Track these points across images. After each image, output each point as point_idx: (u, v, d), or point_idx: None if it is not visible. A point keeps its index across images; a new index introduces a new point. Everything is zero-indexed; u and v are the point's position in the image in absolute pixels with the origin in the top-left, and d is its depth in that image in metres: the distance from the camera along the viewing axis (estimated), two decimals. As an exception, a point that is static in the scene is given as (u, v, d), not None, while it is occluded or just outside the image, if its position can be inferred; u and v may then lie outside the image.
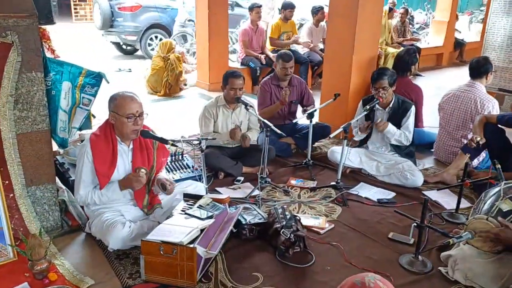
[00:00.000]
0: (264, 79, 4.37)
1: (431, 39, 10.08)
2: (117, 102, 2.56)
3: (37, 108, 2.59)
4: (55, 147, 3.00)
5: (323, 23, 7.34)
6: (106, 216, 2.59)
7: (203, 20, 6.60)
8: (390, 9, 8.36)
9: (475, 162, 3.83)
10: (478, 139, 3.36)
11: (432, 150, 4.33)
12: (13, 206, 2.56)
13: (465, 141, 3.78)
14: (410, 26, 11.06)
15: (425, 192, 3.48)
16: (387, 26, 8.01)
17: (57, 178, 2.92)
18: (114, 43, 10.20)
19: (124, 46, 10.26)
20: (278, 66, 4.16)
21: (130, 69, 8.23)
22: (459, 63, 9.82)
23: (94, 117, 3.57)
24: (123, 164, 2.68)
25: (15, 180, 2.55)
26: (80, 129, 3.28)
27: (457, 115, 3.94)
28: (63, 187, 3.00)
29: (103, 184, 2.59)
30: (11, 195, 2.55)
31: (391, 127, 3.60)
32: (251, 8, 6.86)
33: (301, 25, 8.76)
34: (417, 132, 4.17)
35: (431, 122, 4.71)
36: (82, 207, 2.85)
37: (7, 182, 2.52)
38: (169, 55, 6.46)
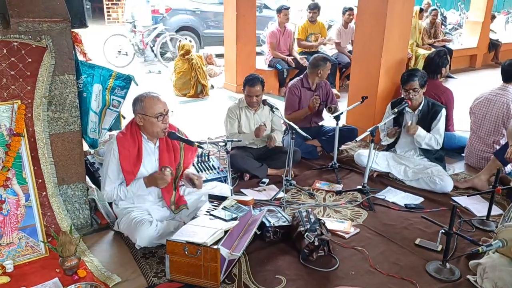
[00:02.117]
0: (292, 82, 4.32)
1: (464, 40, 9.81)
2: (144, 104, 2.62)
3: (69, 110, 2.69)
4: (85, 147, 3.09)
5: (352, 25, 7.26)
6: (134, 215, 2.66)
7: (231, 22, 6.65)
8: (421, 10, 8.17)
9: (508, 168, 3.70)
10: None
11: (463, 154, 4.21)
12: (46, 204, 2.66)
13: (497, 147, 3.66)
14: (443, 26, 10.79)
15: (454, 198, 3.39)
16: (418, 27, 7.84)
17: (87, 177, 3.02)
18: (145, 45, 10.40)
19: (154, 48, 10.44)
20: (326, 68, 4.11)
21: (159, 71, 8.37)
22: (494, 65, 9.51)
23: (124, 118, 3.65)
24: (150, 162, 2.74)
25: (47, 179, 2.65)
26: (110, 129, 3.36)
27: (488, 119, 3.81)
28: (93, 186, 3.08)
29: (129, 181, 2.66)
30: (44, 193, 2.65)
31: (421, 131, 3.52)
32: (279, 10, 6.85)
33: (329, 27, 8.68)
34: (448, 136, 4.07)
35: (463, 125, 4.57)
36: (110, 205, 2.92)
37: (40, 180, 2.62)
38: (191, 56, 6.54)
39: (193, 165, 3.70)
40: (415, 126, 3.52)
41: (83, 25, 2.98)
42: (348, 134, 4.12)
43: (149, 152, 2.74)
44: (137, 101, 2.65)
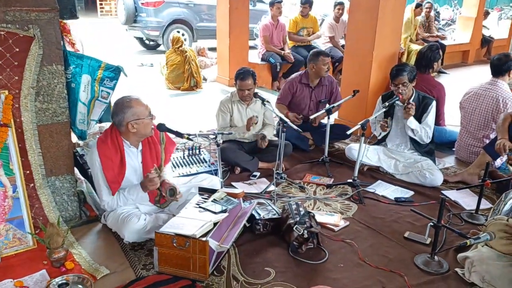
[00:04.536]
0: (293, 76, 4.30)
1: (457, 35, 9.84)
2: (135, 109, 2.54)
3: (57, 100, 2.65)
4: (74, 139, 3.06)
5: (344, 18, 7.24)
6: (122, 209, 2.63)
7: (224, 15, 6.61)
8: (418, 5, 8.16)
9: (498, 162, 3.72)
10: (509, 147, 3.13)
11: (454, 149, 4.22)
12: (34, 196, 2.63)
13: (487, 141, 3.68)
14: (436, 22, 10.81)
15: (444, 192, 3.41)
16: (413, 22, 7.84)
17: (76, 169, 2.99)
18: (137, 38, 10.34)
19: (147, 41, 10.39)
20: (319, 63, 4.04)
21: (152, 64, 8.32)
22: (487, 61, 9.51)
23: (114, 110, 3.62)
24: (133, 166, 2.69)
25: (35, 170, 2.62)
26: (100, 121, 3.32)
27: (478, 114, 3.82)
28: (82, 178, 3.06)
29: (114, 190, 2.61)
30: (32, 185, 2.62)
31: (413, 119, 3.53)
32: (272, 4, 6.83)
33: (322, 21, 8.68)
34: (438, 131, 4.08)
35: (454, 120, 4.59)
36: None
37: (28, 172, 2.59)
38: (184, 49, 6.50)
39: (184, 158, 3.69)
40: (413, 105, 3.47)
41: (74, 16, 2.94)
42: (340, 132, 4.06)
43: (132, 158, 2.69)
44: (125, 109, 2.53)
